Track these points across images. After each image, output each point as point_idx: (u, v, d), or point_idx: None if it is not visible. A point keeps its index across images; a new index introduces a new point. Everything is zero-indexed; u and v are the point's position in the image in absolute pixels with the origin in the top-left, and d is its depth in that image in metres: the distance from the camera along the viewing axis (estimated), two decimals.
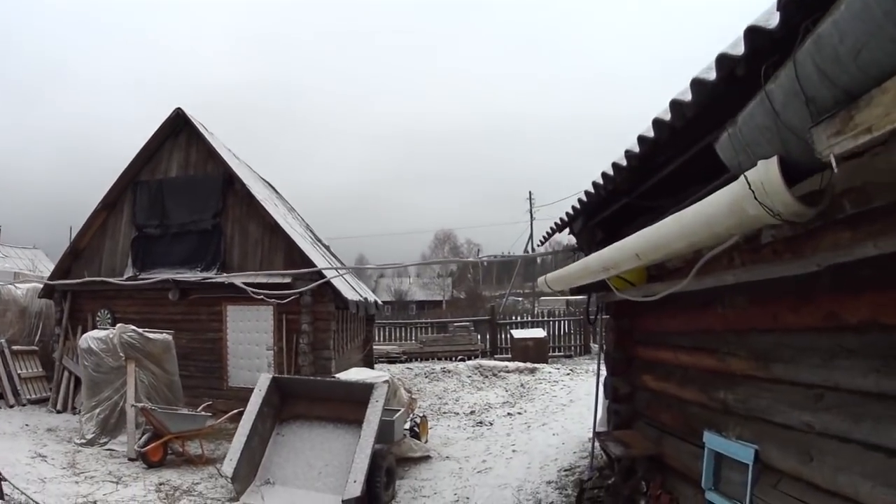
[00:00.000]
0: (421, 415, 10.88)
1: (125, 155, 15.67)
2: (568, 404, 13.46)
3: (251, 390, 11.74)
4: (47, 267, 27.91)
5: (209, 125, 15.49)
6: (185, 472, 9.30)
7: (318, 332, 13.09)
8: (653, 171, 4.34)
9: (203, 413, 10.23)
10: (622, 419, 6.90)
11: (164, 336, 11.56)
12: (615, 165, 4.39)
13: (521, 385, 16.10)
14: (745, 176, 2.35)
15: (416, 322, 26.61)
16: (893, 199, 2.41)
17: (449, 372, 17.63)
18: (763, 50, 2.38)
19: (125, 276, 14.25)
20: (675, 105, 3.13)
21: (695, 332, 5.19)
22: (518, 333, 21.88)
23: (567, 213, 6.36)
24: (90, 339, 11.02)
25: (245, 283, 12.95)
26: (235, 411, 9.73)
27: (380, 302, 19.46)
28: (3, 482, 7.25)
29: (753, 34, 2.40)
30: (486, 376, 17.28)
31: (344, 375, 10.05)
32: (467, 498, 8.06)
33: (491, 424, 12.27)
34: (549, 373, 17.23)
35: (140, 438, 9.71)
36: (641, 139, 3.80)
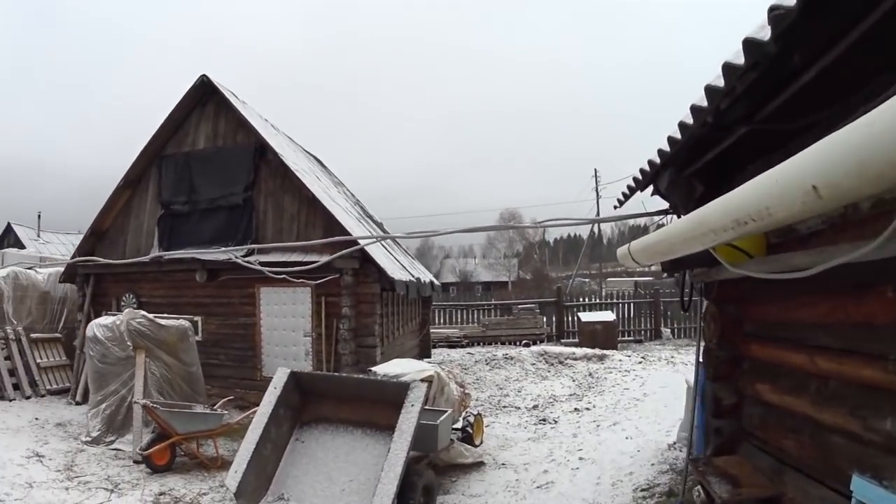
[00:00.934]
0: (475, 412, 9.38)
1: None
2: (642, 399, 11.80)
3: None
4: None
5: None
6: (194, 478, 8.10)
7: (362, 316, 11.72)
8: (787, 76, 2.77)
9: (219, 411, 8.92)
10: (724, 440, 5.22)
11: (179, 323, 10.34)
12: (729, 68, 2.82)
13: (590, 374, 14.49)
14: None
15: (479, 304, 25.05)
16: None
17: (511, 359, 16.19)
18: None
19: (150, 258, 13.12)
20: None
21: (845, 325, 3.53)
22: (586, 317, 20.34)
23: (649, 163, 4.72)
24: (96, 326, 9.94)
25: (277, 263, 11.67)
26: (252, 410, 8.42)
27: (437, 282, 18.05)
28: None
29: None
30: (552, 364, 15.76)
31: (382, 369, 8.63)
32: None
33: (555, 422, 10.71)
34: (620, 361, 15.54)
35: (145, 439, 8.50)
36: (777, 17, 2.27)
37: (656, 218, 6.16)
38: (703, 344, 5.86)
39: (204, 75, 13.19)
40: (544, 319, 22.59)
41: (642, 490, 7.07)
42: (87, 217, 15.24)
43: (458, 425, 9.05)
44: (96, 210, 14.00)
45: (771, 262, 3.64)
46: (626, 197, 5.61)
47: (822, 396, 3.73)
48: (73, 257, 14.49)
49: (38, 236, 28.88)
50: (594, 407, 11.52)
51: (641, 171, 5.11)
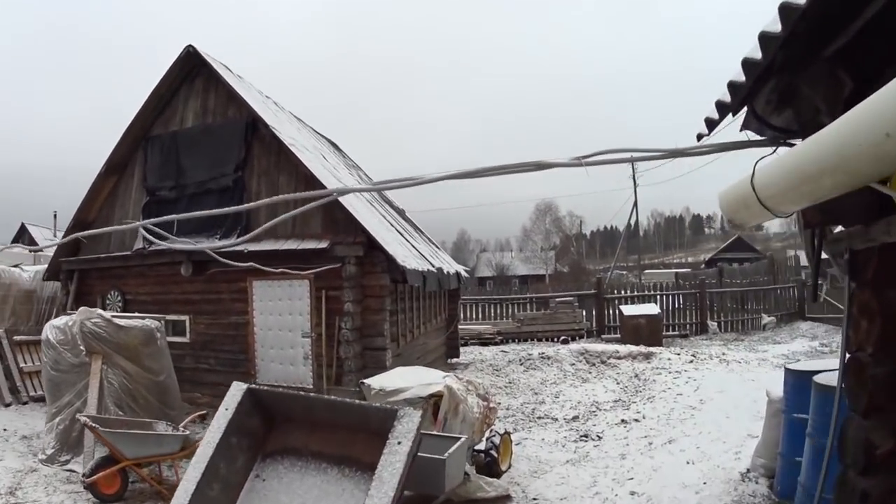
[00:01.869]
0: (502, 431, 7.42)
1: None
2: (698, 406, 9.75)
3: (284, 389, 8.78)
4: None
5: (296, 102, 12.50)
6: None
7: (369, 313, 9.87)
8: None
9: (180, 431, 7.07)
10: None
11: (143, 324, 8.53)
12: None
13: (636, 376, 12.46)
14: None
15: (513, 298, 23.05)
16: None
17: (548, 358, 14.22)
18: None
19: (134, 250, 11.37)
20: None
21: None
22: (628, 310, 18.44)
23: (745, 65, 2.77)
24: (49, 328, 8.26)
25: (268, 252, 9.88)
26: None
27: (465, 274, 16.03)
28: None
29: None
30: (593, 364, 13.77)
31: (378, 381, 6.75)
32: None
33: (599, 438, 8.71)
34: (668, 360, 13.45)
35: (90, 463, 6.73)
36: None
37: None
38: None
39: (190, 46, 11.40)
40: (583, 313, 20.79)
41: None
42: None
43: (481, 446, 7.17)
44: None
45: None
46: (713, 125, 3.59)
47: None
48: (56, 253, 12.84)
49: (55, 235, 27.67)
50: (644, 417, 9.49)
51: (731, 84, 3.15)
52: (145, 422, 7.43)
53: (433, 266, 11.97)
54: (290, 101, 14.44)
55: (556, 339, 19.31)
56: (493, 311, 22.33)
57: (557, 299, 21.48)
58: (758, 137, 3.56)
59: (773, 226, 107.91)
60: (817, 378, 4.91)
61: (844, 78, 2.68)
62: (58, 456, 7.72)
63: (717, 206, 3.32)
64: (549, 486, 6.93)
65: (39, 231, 27.82)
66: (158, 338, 8.58)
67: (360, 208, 10.48)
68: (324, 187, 9.78)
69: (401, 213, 16.37)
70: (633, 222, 44.32)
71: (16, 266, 13.67)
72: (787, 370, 5.66)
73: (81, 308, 8.32)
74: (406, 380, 6.58)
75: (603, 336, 19.88)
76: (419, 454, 4.66)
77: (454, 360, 15.77)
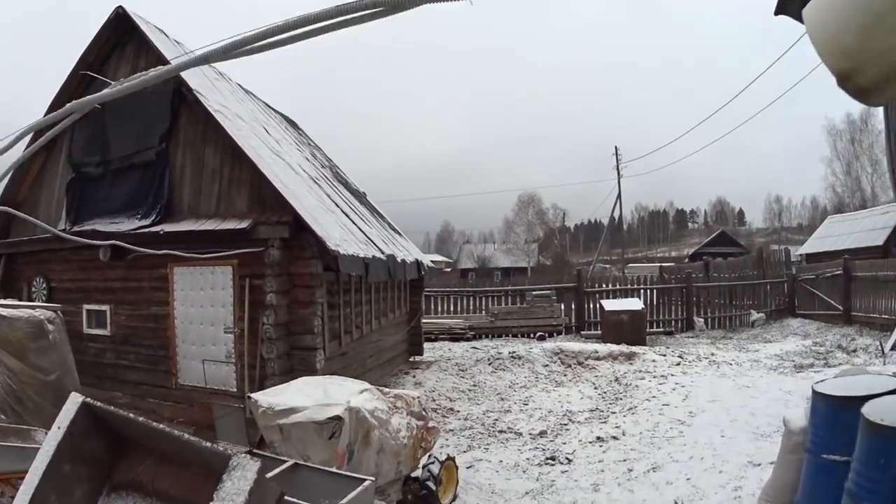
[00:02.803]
0: (443, 458, 5.74)
1: None
2: (687, 421, 8.13)
3: (206, 392, 8.29)
4: None
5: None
6: None
7: (297, 306, 8.13)
8: None
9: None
10: None
11: (30, 314, 6.81)
12: None
13: (616, 380, 10.85)
14: None
15: (488, 290, 21.06)
16: None
17: (519, 358, 12.54)
18: None
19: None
20: None
21: None
22: (610, 305, 16.82)
23: None
24: None
25: (186, 233, 8.22)
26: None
27: (429, 263, 14.28)
28: None
29: None
30: (569, 365, 12.14)
31: (269, 396, 5.07)
32: None
33: (569, 461, 7.02)
34: (653, 362, 11.84)
35: None
36: None
37: None
38: None
39: (119, 7, 9.62)
40: (562, 308, 18.97)
41: None
42: None
43: (417, 474, 5.53)
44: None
45: None
46: None
47: None
48: None
49: None
50: (623, 434, 7.83)
51: None
52: (22, 429, 5.75)
53: (381, 253, 10.18)
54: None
55: (531, 335, 17.73)
56: (467, 304, 20.42)
57: (534, 293, 19.73)
58: None
59: (757, 220, 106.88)
60: (871, 410, 3.26)
61: None
62: None
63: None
64: None
65: None
66: (51, 331, 6.83)
67: (292, 183, 8.73)
68: (250, 160, 8.08)
69: (359, 195, 14.60)
70: (616, 216, 42.75)
71: None
72: (815, 393, 3.98)
73: None
74: (305, 396, 4.90)
75: (582, 333, 18.28)
76: None
77: (416, 357, 14.07)
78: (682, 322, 19.35)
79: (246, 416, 5.37)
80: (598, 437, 7.75)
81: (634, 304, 16.81)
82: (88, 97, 5.57)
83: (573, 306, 19.08)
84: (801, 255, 33.16)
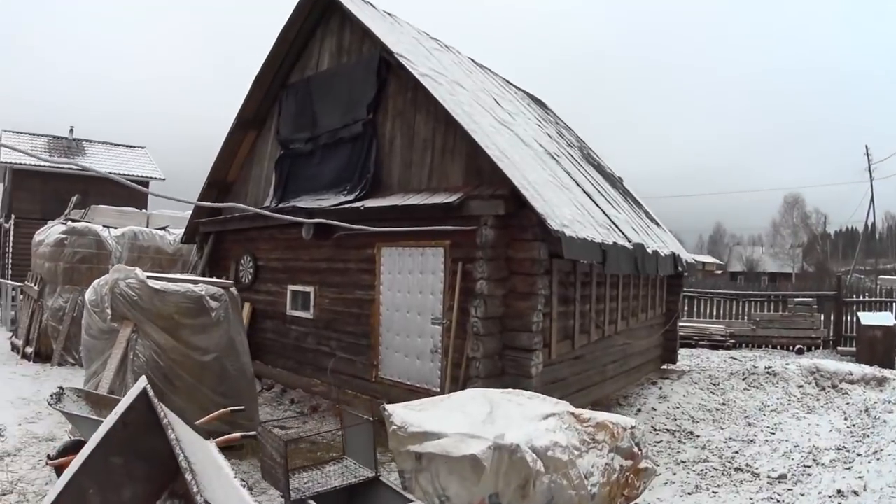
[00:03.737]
0: None
1: None
2: None
3: (406, 390, 7.35)
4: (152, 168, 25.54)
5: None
6: None
7: (514, 297, 6.76)
8: None
9: None
10: None
11: (188, 289, 6.16)
12: None
13: (866, 410, 8.46)
14: None
15: (749, 294, 18.97)
16: None
17: (774, 375, 10.38)
18: None
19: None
20: None
21: None
22: (866, 318, 14.33)
23: None
24: (89, 289, 6.05)
25: (387, 208, 7.29)
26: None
27: (687, 259, 12.17)
28: None
29: None
30: (823, 388, 9.83)
31: (409, 412, 3.83)
32: None
33: None
34: None
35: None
36: None
37: None
38: None
39: None
40: (822, 318, 16.64)
41: None
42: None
43: None
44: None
45: None
46: None
47: None
48: (192, 215, 11.15)
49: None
50: (865, 489, 5.59)
51: None
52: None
53: (627, 241, 8.39)
54: None
55: (790, 348, 16.08)
56: (729, 308, 18.61)
57: (796, 300, 17.45)
58: None
59: None
60: None
61: None
62: None
63: None
64: None
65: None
66: (213, 308, 6.11)
67: (516, 155, 7.39)
68: (462, 128, 6.89)
69: (612, 179, 12.95)
70: (869, 223, 37.97)
71: (162, 229, 12.24)
72: None
73: (117, 266, 6.16)
74: (461, 416, 3.55)
75: (839, 348, 15.82)
76: None
77: (669, 365, 12.23)
78: None
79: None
80: (839, 491, 5.59)
81: (887, 318, 14.06)
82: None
83: (832, 317, 16.64)
84: None
